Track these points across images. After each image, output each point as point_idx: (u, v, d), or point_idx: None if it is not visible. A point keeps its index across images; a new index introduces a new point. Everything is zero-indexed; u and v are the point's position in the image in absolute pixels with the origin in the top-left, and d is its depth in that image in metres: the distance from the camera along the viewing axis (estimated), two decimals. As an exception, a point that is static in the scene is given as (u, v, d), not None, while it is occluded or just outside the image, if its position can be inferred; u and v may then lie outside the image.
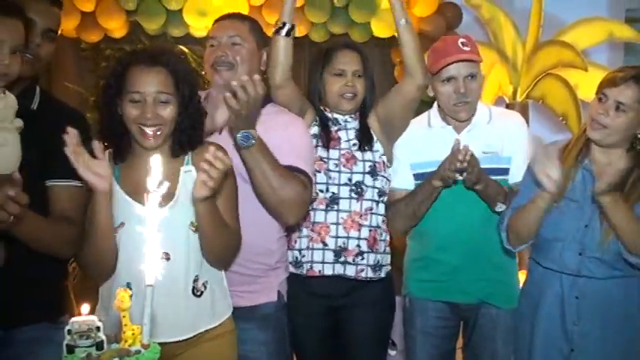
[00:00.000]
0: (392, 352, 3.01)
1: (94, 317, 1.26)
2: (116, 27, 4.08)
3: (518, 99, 4.03)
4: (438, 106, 2.38)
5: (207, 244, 1.78)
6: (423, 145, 2.35)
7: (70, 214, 1.83)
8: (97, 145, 1.67)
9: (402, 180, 2.36)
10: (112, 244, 1.74)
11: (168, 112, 1.75)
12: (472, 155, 2.12)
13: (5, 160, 1.68)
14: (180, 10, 3.98)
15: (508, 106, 3.97)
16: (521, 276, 2.37)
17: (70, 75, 4.43)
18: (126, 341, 1.29)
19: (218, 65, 2.09)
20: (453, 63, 2.25)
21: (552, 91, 3.91)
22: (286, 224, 2.12)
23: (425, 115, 2.42)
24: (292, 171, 1.99)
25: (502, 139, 2.31)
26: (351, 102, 2.34)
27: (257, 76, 1.81)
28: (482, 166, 2.20)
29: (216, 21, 2.20)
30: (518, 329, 2.25)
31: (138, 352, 1.27)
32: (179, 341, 1.76)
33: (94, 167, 1.65)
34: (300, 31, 3.71)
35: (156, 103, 1.74)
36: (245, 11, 3.89)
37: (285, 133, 2.01)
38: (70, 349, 1.24)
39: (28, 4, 1.79)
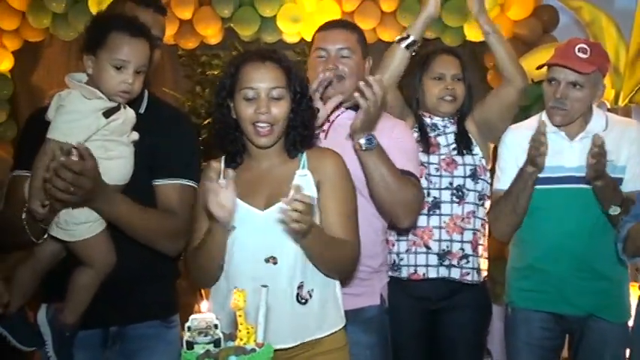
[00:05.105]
0: (487, 362, 2.94)
1: (212, 315, 1.30)
2: (212, 34, 4.19)
3: (621, 104, 3.86)
4: None
5: (316, 261, 1.73)
6: None
7: (175, 208, 1.85)
8: (230, 174, 1.63)
9: (509, 182, 2.28)
10: (219, 264, 1.72)
11: (281, 108, 1.73)
12: (601, 146, 2.04)
13: (121, 171, 1.77)
14: (274, 17, 4.05)
15: (610, 111, 3.81)
16: (632, 290, 2.26)
17: (167, 80, 4.57)
18: (241, 339, 1.32)
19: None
20: (557, 65, 2.20)
21: (658, 95, 3.72)
22: (400, 226, 2.12)
23: (535, 118, 2.35)
24: (404, 174, 1.98)
25: (618, 147, 2.22)
26: (450, 104, 2.38)
27: (377, 76, 1.85)
28: None
29: (325, 28, 2.16)
30: (635, 348, 2.13)
31: (253, 350, 1.30)
32: (284, 349, 1.69)
33: (220, 198, 1.59)
34: (391, 37, 3.70)
35: (269, 99, 1.72)
36: (337, 17, 3.91)
37: (392, 137, 2.01)
38: (190, 346, 1.29)
39: (134, 14, 1.85)
